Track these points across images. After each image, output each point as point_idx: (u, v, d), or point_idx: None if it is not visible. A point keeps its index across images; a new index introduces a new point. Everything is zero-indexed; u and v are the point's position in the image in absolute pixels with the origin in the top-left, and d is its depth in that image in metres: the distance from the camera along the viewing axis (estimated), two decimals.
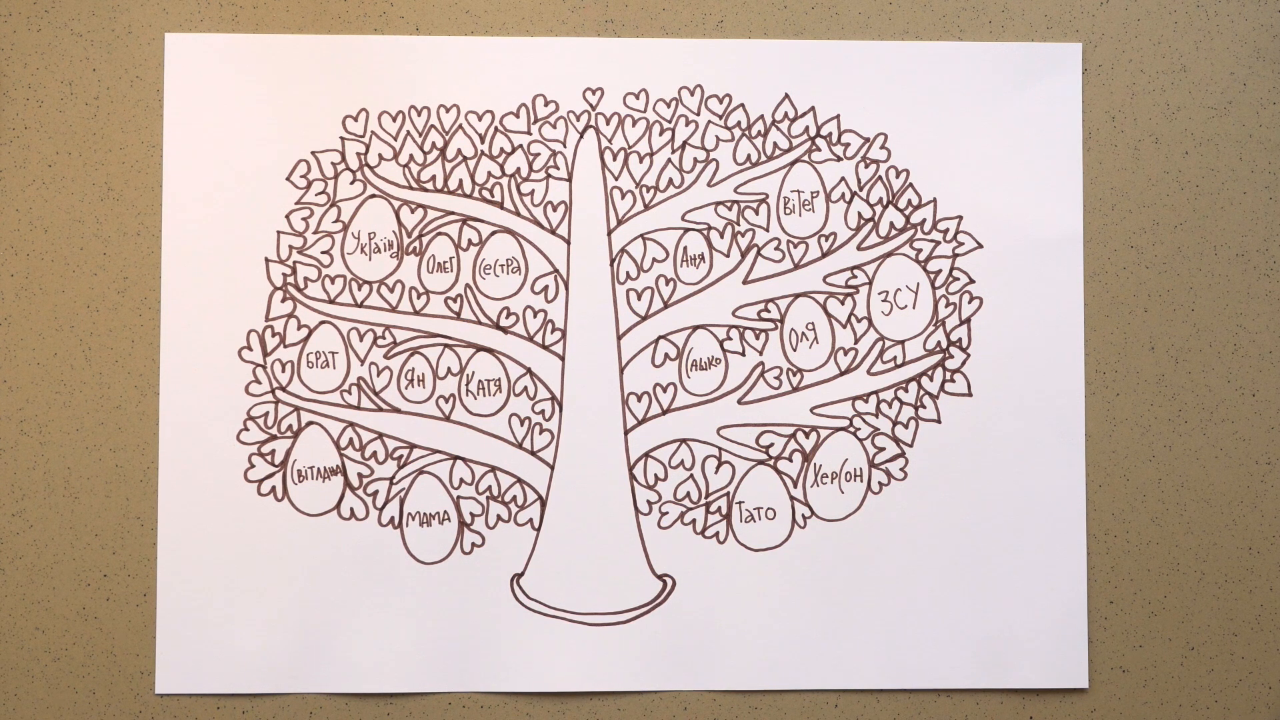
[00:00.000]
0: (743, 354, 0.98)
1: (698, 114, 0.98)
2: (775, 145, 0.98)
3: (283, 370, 0.96)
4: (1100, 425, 0.98)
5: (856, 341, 0.98)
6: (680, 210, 0.98)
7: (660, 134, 0.98)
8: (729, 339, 0.98)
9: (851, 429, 0.98)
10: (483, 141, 0.97)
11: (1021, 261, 0.98)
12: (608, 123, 0.98)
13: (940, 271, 0.98)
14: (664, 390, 0.98)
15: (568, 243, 0.97)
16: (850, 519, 0.98)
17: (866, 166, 0.98)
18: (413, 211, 0.97)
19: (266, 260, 0.97)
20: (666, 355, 0.98)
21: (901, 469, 0.98)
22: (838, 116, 0.98)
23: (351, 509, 0.96)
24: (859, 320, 0.98)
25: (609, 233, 0.98)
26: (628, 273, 0.98)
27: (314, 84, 0.97)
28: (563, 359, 0.97)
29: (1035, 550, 0.97)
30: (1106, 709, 0.98)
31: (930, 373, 0.98)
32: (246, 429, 0.96)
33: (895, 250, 0.99)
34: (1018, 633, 0.97)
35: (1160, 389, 0.99)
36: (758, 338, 0.98)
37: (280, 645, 0.95)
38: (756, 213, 0.98)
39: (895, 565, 0.97)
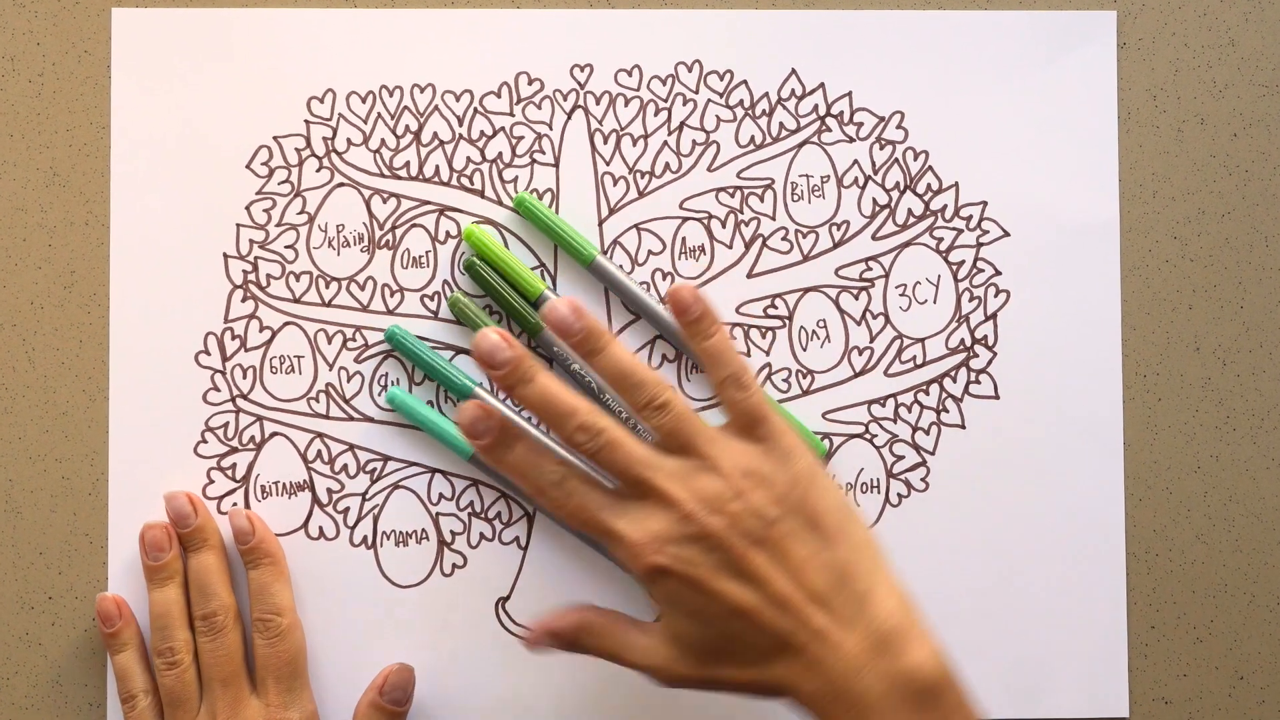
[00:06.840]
0: (748, 354, 0.94)
1: (696, 92, 0.94)
2: (781, 125, 0.94)
3: (244, 376, 0.92)
4: (1140, 433, 0.95)
5: (872, 340, 0.95)
6: (678, 197, 0.94)
7: (655, 114, 0.94)
8: (732, 338, 0.94)
9: (867, 435, 0.95)
10: (461, 124, 0.93)
11: (1052, 252, 0.95)
12: (597, 102, 0.94)
13: (963, 262, 0.95)
14: None
15: None
16: None
17: (881, 148, 0.95)
18: (385, 201, 0.93)
19: (225, 256, 0.93)
20: (665, 356, 0.94)
21: (922, 479, 0.95)
22: (850, 93, 0.95)
23: (320, 527, 0.92)
24: (874, 316, 0.95)
25: (600, 223, 0.94)
26: (621, 266, 0.94)
27: (275, 62, 0.93)
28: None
29: (1070, 569, 0.94)
30: None
31: (953, 373, 0.95)
32: (205, 441, 0.92)
33: (914, 239, 0.95)
34: (1051, 659, 0.94)
35: (1206, 393, 0.95)
36: (764, 336, 0.95)
37: None
38: (761, 200, 0.94)
39: (916, 585, 0.91)
